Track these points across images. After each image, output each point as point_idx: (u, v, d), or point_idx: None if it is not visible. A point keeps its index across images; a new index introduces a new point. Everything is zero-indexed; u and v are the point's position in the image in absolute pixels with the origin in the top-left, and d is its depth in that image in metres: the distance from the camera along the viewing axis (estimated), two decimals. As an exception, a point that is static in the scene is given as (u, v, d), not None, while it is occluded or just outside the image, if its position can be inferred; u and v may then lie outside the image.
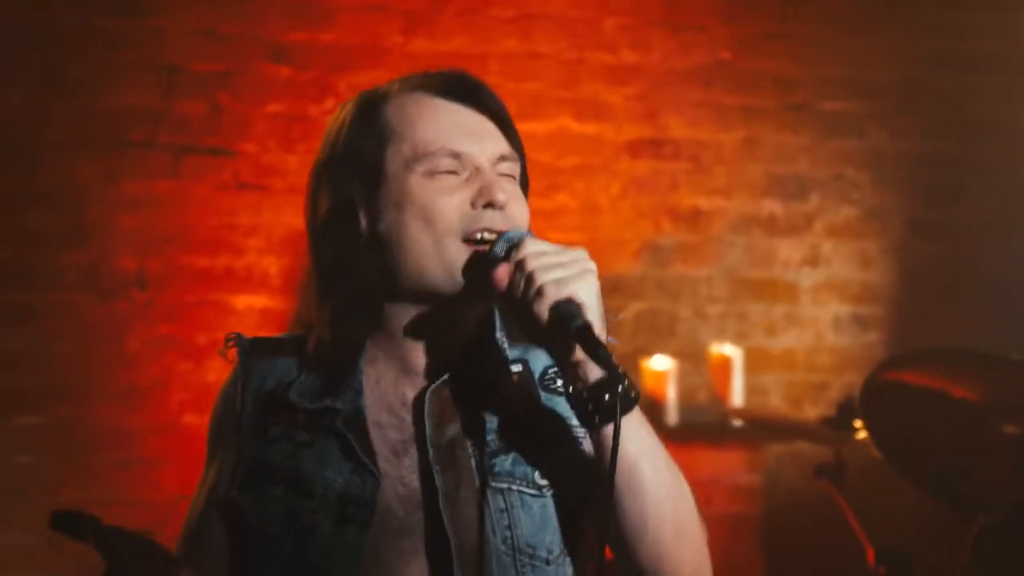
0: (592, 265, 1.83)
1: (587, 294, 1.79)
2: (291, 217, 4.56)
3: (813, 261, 5.26)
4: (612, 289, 5.10)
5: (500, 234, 1.89)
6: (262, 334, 2.14)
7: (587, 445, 1.92)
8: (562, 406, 1.94)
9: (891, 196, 5.32)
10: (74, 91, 4.49)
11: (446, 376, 1.97)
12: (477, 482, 1.91)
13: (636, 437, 1.82)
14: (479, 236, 1.91)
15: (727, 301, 5.14)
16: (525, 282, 1.80)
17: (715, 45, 5.15)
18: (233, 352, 2.08)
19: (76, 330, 4.48)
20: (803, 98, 5.25)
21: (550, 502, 1.94)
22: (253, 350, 2.08)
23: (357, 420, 1.96)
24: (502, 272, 1.85)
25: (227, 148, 4.63)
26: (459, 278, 1.91)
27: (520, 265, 1.81)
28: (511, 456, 1.94)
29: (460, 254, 1.91)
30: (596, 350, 1.75)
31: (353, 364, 1.99)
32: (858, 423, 3.53)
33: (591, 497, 1.91)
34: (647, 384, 4.80)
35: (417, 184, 1.93)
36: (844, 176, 5.29)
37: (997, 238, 5.29)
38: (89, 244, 4.50)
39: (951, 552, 3.15)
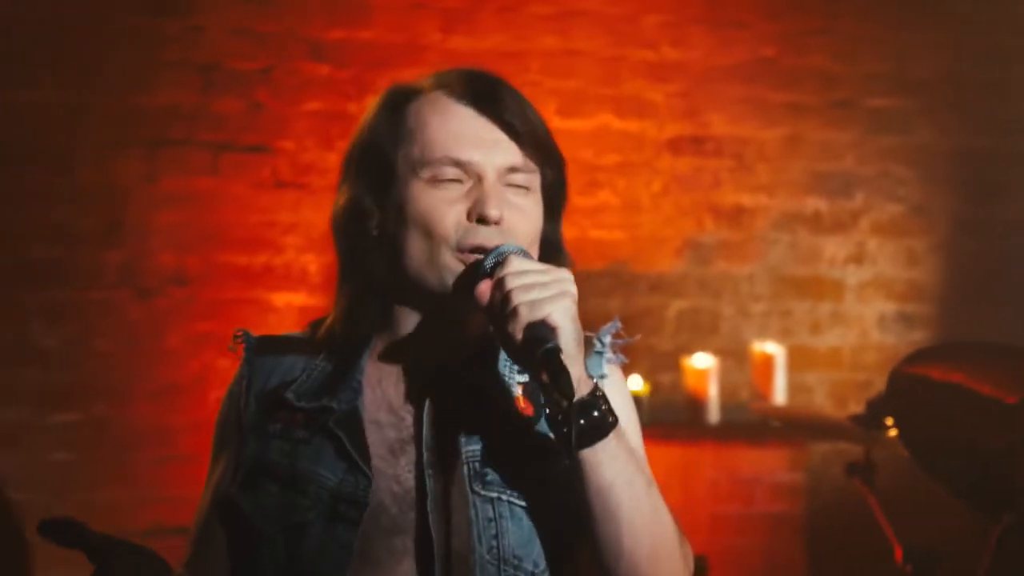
0: (572, 288, 1.79)
1: (561, 317, 1.75)
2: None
3: (859, 259, 5.22)
4: (653, 287, 5.12)
5: (491, 249, 1.86)
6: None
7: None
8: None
9: (937, 193, 5.28)
10: (113, 89, 4.52)
11: (448, 380, 1.95)
12: (468, 488, 1.89)
13: (612, 463, 1.79)
14: (470, 250, 1.88)
15: (770, 299, 5.11)
16: (502, 300, 1.78)
17: (757, 42, 5.13)
18: (240, 349, 2.06)
19: (115, 328, 4.50)
20: (847, 94, 5.22)
21: (539, 516, 1.91)
22: (260, 348, 2.06)
23: (352, 420, 1.93)
24: (484, 288, 1.82)
25: (266, 146, 4.64)
26: (450, 289, 1.90)
27: (500, 283, 1.79)
28: (504, 466, 1.91)
29: (453, 265, 1.89)
30: (559, 376, 1.72)
31: (356, 360, 1.97)
32: (889, 421, 3.47)
33: (574, 518, 1.88)
34: (688, 382, 4.76)
35: (420, 190, 1.91)
36: (890, 173, 5.25)
37: (1045, 235, 5.24)
38: (128, 242, 4.51)
39: (977, 550, 3.09)
